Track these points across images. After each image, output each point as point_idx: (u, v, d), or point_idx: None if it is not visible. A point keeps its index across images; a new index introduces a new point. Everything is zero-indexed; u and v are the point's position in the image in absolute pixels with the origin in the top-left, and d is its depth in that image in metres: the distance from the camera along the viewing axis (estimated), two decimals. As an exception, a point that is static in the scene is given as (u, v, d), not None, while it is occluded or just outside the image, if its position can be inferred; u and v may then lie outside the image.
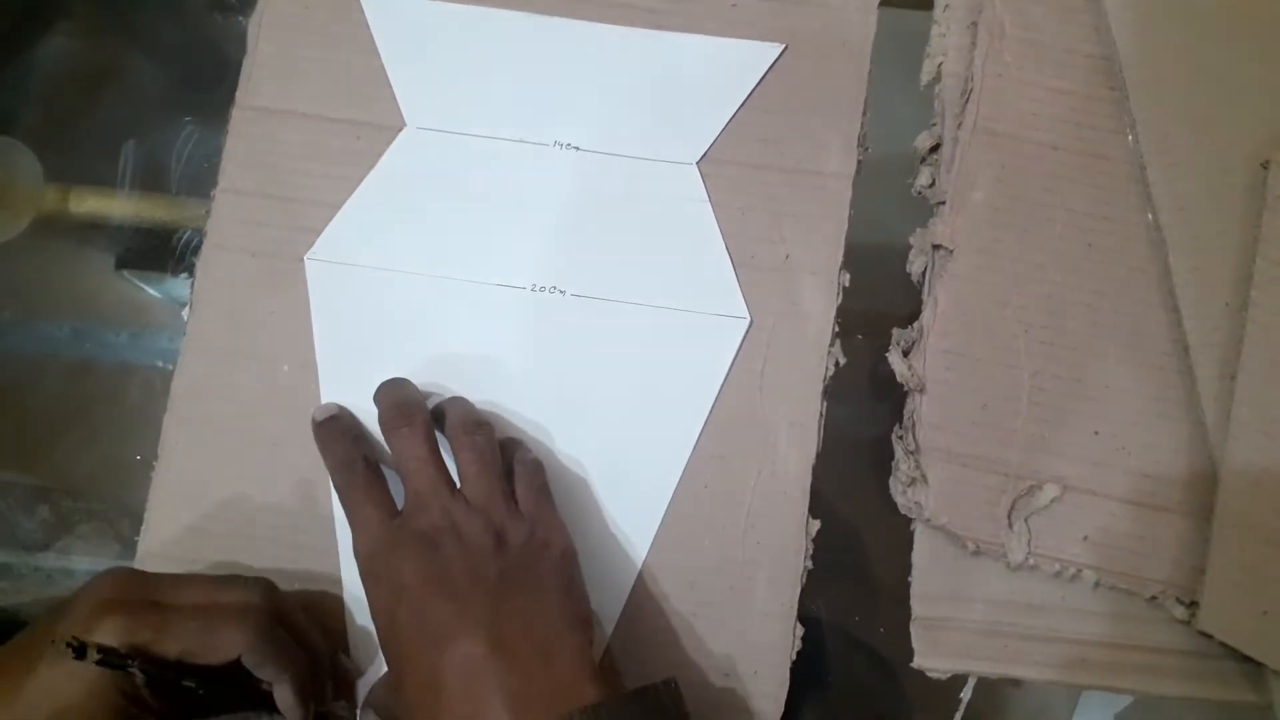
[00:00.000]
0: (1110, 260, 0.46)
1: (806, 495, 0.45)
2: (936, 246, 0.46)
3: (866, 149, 0.48)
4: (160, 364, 0.49)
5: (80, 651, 0.34)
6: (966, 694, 0.44)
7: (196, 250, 0.48)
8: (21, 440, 0.50)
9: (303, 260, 0.47)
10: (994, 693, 0.46)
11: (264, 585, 0.41)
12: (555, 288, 0.47)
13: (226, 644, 0.37)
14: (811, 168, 0.47)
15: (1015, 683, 0.47)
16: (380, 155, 0.48)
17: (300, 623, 0.42)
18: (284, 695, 0.39)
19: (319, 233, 0.47)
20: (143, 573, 0.39)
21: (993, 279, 0.46)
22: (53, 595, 0.48)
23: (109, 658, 0.35)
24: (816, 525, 0.45)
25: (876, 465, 0.46)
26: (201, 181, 0.49)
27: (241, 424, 0.46)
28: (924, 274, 0.47)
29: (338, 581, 0.45)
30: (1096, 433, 0.45)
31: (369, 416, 0.46)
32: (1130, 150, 0.47)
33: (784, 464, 0.46)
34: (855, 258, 0.47)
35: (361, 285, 0.47)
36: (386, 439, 0.42)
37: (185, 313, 0.47)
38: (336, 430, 0.43)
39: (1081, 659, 0.44)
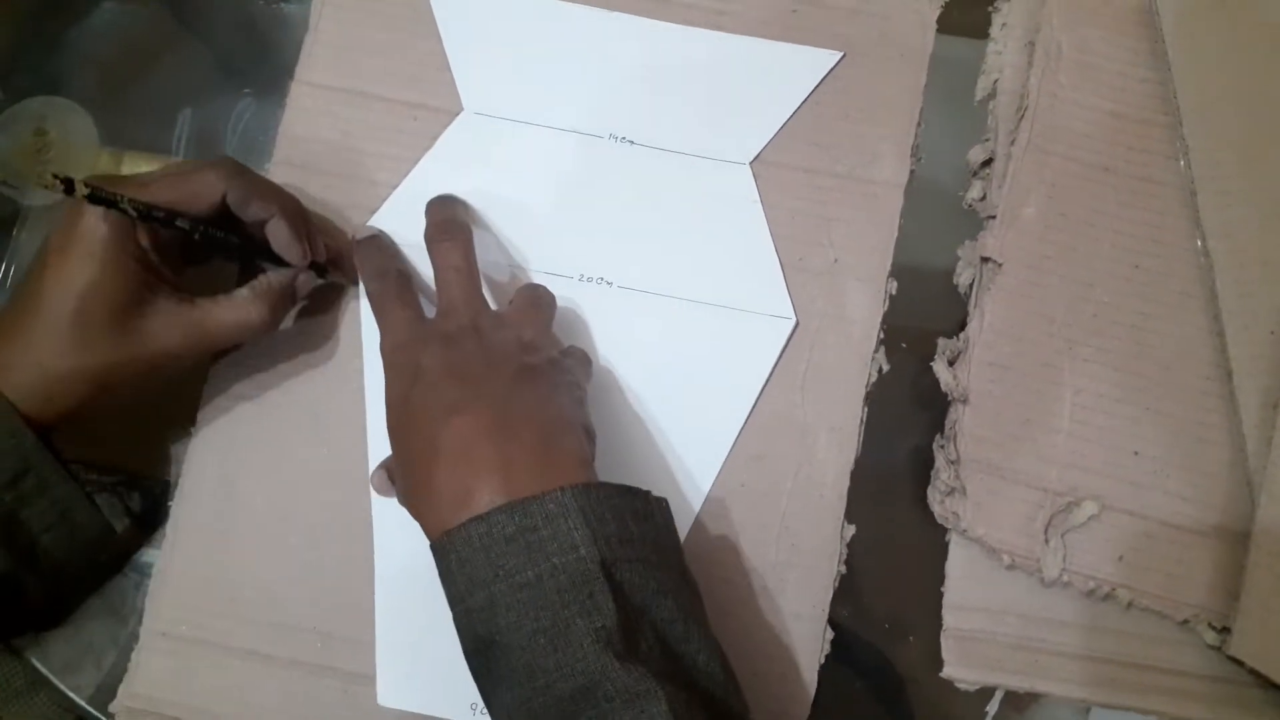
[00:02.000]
0: (1157, 283, 0.46)
1: (843, 499, 0.45)
2: (985, 259, 0.47)
3: (919, 159, 0.48)
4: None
5: (69, 187, 0.35)
6: (993, 707, 0.44)
7: (246, 222, 0.48)
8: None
9: (353, 239, 0.47)
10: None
11: (230, 162, 0.41)
12: (602, 279, 0.47)
13: (206, 185, 0.39)
14: (864, 175, 0.48)
15: (1019, 708, 0.47)
16: (436, 138, 0.48)
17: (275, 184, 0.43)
18: (278, 230, 0.41)
19: (372, 211, 0.47)
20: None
21: (1040, 294, 0.46)
22: None
23: (98, 193, 0.36)
24: (852, 530, 0.45)
25: (914, 475, 0.46)
26: (255, 154, 0.49)
27: (281, 399, 0.46)
28: (971, 286, 0.47)
29: (370, 555, 0.45)
30: (1136, 453, 0.45)
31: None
32: (1181, 175, 0.47)
33: (822, 467, 0.46)
34: (902, 269, 0.47)
35: (410, 265, 0.47)
36: (429, 250, 0.43)
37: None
38: (374, 246, 0.45)
39: (1110, 678, 0.44)
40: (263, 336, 0.43)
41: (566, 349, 0.43)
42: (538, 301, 0.43)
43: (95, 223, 0.37)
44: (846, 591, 0.45)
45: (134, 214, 0.37)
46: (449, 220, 0.44)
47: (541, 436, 0.36)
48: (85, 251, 0.37)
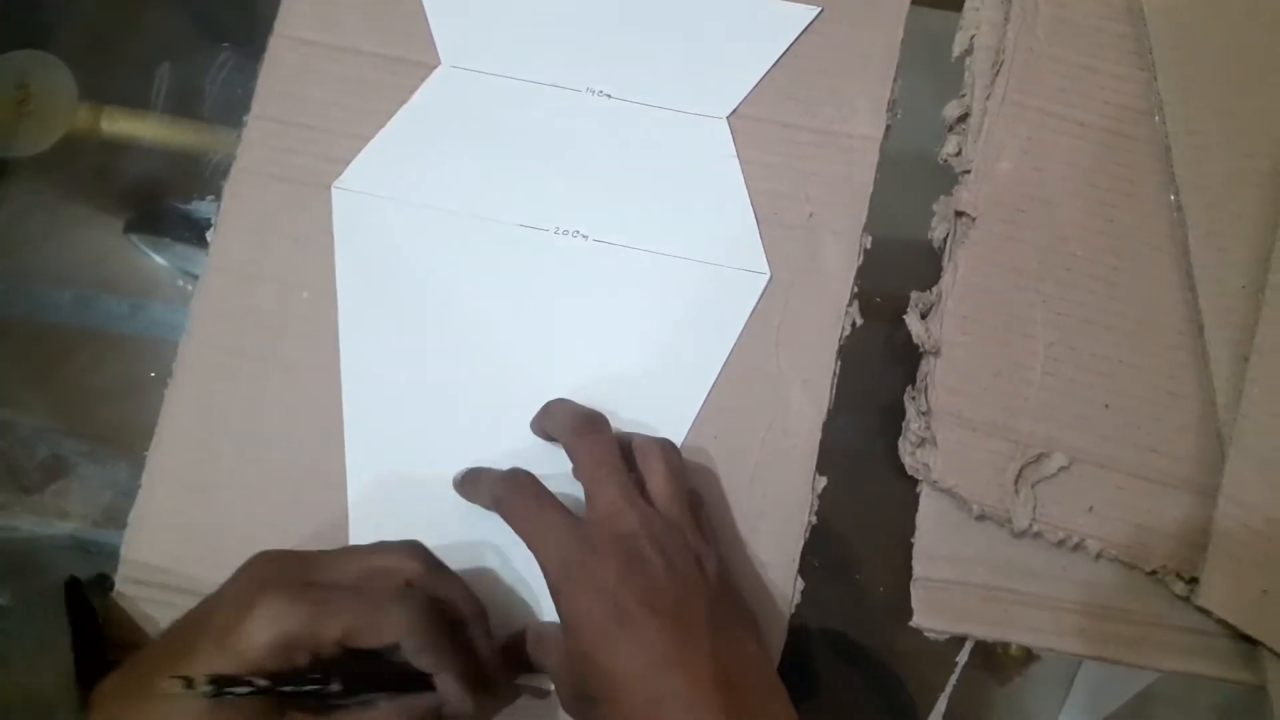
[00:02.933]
0: (1130, 237, 0.46)
1: (815, 451, 0.45)
2: (960, 214, 0.47)
3: (896, 114, 0.48)
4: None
5: (189, 685, 0.33)
6: (963, 657, 0.44)
7: (225, 175, 0.48)
8: (29, 367, 0.50)
9: (329, 189, 0.47)
10: (978, 692, 0.46)
11: (420, 549, 0.39)
12: (578, 232, 0.47)
13: (388, 627, 0.35)
14: (840, 129, 0.48)
15: (1001, 681, 0.47)
16: (413, 91, 0.48)
17: (458, 607, 0.40)
18: (446, 685, 0.37)
19: (348, 163, 0.48)
20: (295, 552, 0.38)
21: (1013, 248, 0.46)
22: (49, 534, 0.48)
23: (221, 684, 0.33)
24: (823, 482, 0.45)
25: (886, 428, 0.47)
26: (234, 109, 0.49)
27: (258, 347, 0.46)
28: (945, 240, 0.47)
29: (346, 511, 0.45)
30: (1107, 406, 0.45)
31: (386, 349, 0.46)
32: (1156, 130, 0.47)
33: (795, 420, 0.46)
34: (878, 229, 0.47)
35: (386, 217, 0.47)
36: (572, 445, 0.40)
37: (209, 234, 0.48)
38: (478, 471, 0.43)
39: (1079, 628, 0.44)
40: None
41: (704, 525, 0.41)
42: (679, 475, 0.40)
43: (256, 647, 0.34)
44: (818, 542, 0.45)
45: (266, 689, 0.34)
46: (590, 413, 0.42)
47: (760, 700, 0.36)
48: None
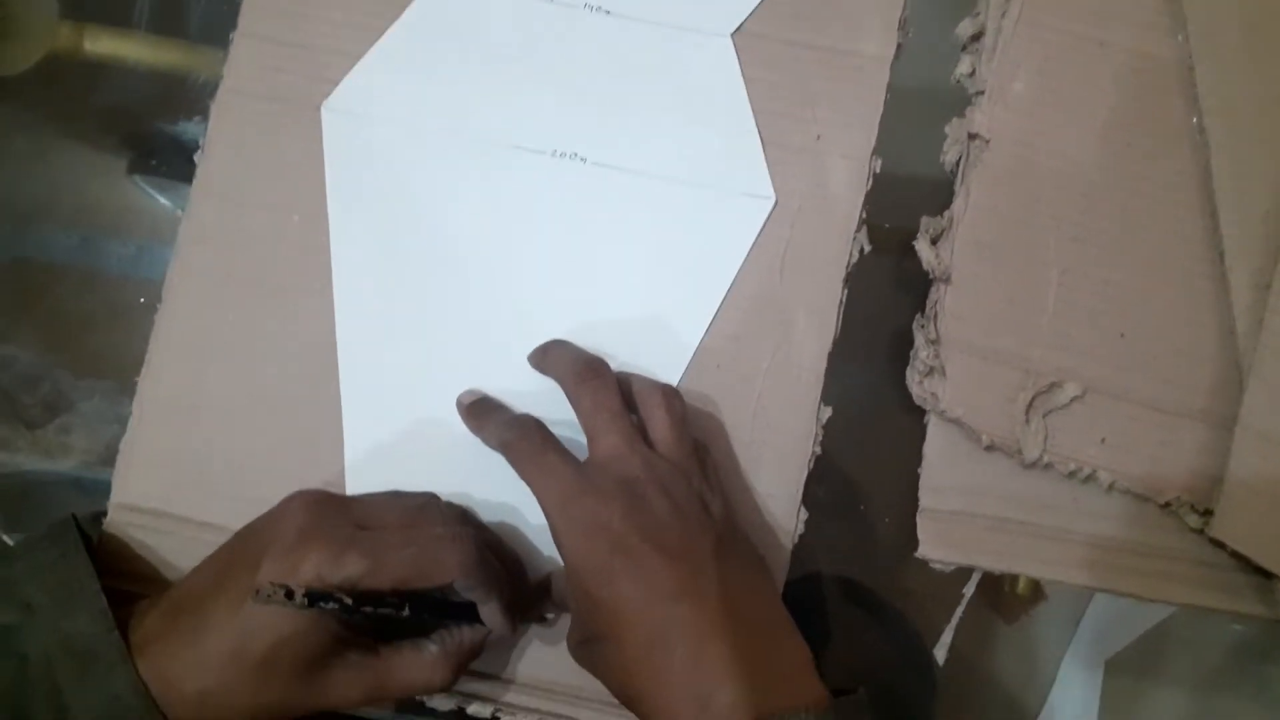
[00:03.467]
0: (1150, 161, 0.45)
1: (820, 381, 0.44)
2: (973, 136, 0.45)
3: (908, 32, 0.46)
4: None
5: (289, 595, 0.34)
6: (969, 589, 0.44)
7: (211, 95, 0.47)
8: (24, 300, 0.49)
9: (319, 109, 0.46)
10: (985, 630, 0.46)
11: (459, 509, 0.40)
12: (576, 154, 0.45)
13: (444, 569, 0.36)
14: (849, 48, 0.46)
15: (1009, 619, 0.47)
16: (404, 6, 0.46)
17: (494, 540, 0.41)
18: (492, 614, 0.38)
19: (338, 83, 0.46)
20: (336, 496, 0.39)
21: (1028, 172, 0.45)
22: (53, 469, 0.47)
23: (315, 598, 0.34)
24: (828, 412, 0.44)
25: (893, 357, 0.45)
26: (220, 27, 0.47)
27: (248, 272, 0.45)
28: (957, 164, 0.46)
29: (340, 438, 0.44)
30: (1123, 335, 0.44)
31: (378, 274, 0.45)
32: (1179, 50, 0.45)
33: (799, 348, 0.45)
34: (888, 155, 0.45)
35: (377, 138, 0.45)
36: (574, 392, 0.40)
37: (197, 157, 0.46)
38: (489, 404, 0.43)
39: (1089, 560, 0.43)
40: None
41: (709, 469, 0.40)
42: (682, 420, 0.40)
43: (314, 580, 0.35)
44: (822, 473, 0.44)
45: (349, 606, 0.35)
46: (590, 358, 0.41)
47: (768, 636, 0.36)
48: (287, 610, 0.35)
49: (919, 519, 0.43)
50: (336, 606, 0.34)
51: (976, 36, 0.46)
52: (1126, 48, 0.45)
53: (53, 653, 0.35)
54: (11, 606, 0.36)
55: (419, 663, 0.38)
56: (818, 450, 0.44)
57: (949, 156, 0.46)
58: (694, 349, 0.44)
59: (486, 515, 0.43)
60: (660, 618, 0.35)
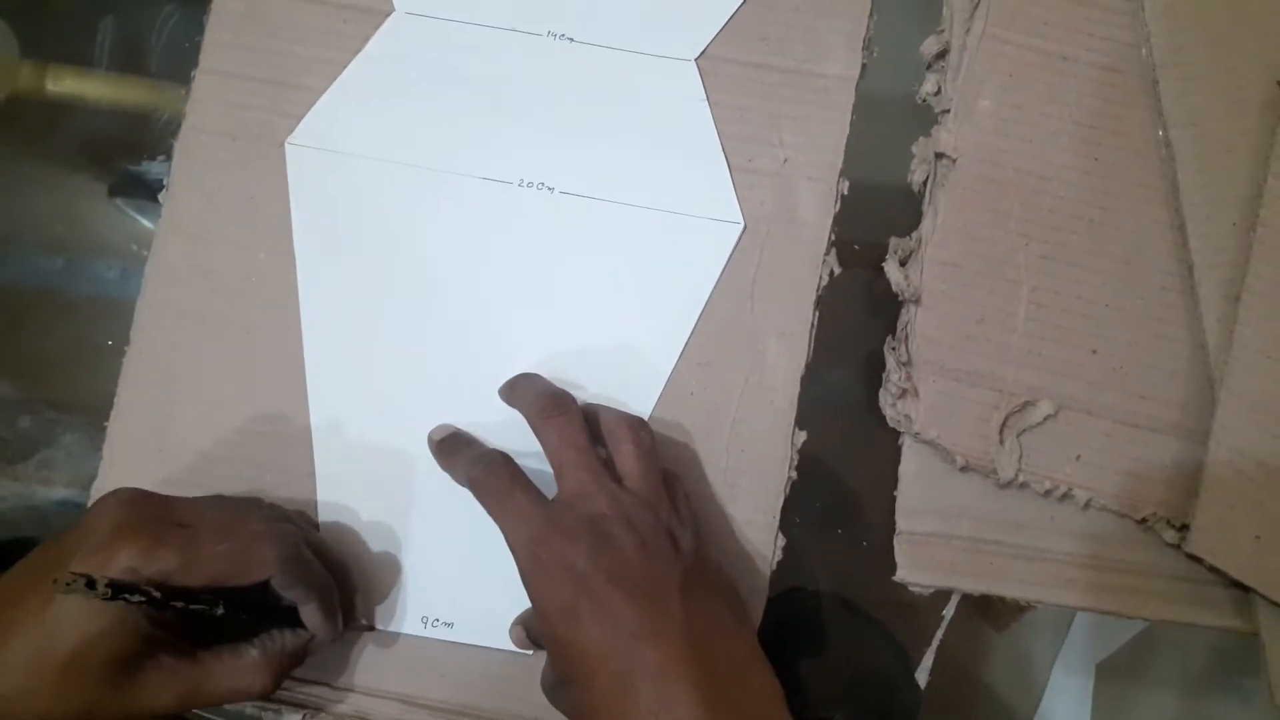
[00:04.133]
0: (1117, 175, 0.45)
1: (794, 405, 0.44)
2: (939, 155, 0.45)
3: (872, 52, 0.46)
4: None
5: (91, 585, 0.33)
6: (949, 611, 0.43)
7: (175, 133, 0.46)
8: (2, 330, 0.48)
9: (283, 145, 0.45)
10: (976, 639, 0.45)
11: (282, 510, 0.40)
12: (543, 184, 0.45)
13: (258, 566, 0.36)
14: (814, 69, 0.46)
15: (998, 627, 0.46)
16: (367, 40, 0.46)
17: (320, 541, 0.41)
18: (312, 615, 0.38)
19: (301, 118, 0.46)
20: (154, 494, 0.38)
21: (995, 190, 0.44)
22: (33, 504, 0.47)
23: (120, 589, 0.33)
24: (803, 436, 0.44)
25: (867, 379, 0.45)
26: (182, 63, 0.47)
27: (216, 312, 0.45)
28: (925, 184, 0.46)
29: (311, 474, 0.44)
30: (1094, 352, 0.44)
31: (346, 310, 0.44)
32: (1143, 63, 0.45)
33: (772, 373, 0.44)
34: (856, 173, 0.45)
35: (343, 173, 0.45)
36: (540, 427, 0.39)
37: (162, 196, 0.46)
38: (460, 440, 0.42)
39: (1068, 579, 0.43)
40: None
41: (688, 514, 0.39)
42: (650, 453, 0.39)
43: (123, 611, 0.34)
44: (798, 498, 0.44)
45: (158, 600, 0.34)
46: (557, 394, 0.41)
47: (736, 672, 0.35)
48: (93, 609, 0.33)
49: (896, 542, 0.43)
50: (144, 600, 0.33)
51: (941, 55, 0.46)
52: (1090, 62, 0.45)
53: None
54: None
55: (238, 667, 0.37)
56: (793, 475, 0.44)
57: (916, 176, 0.46)
58: (666, 376, 0.44)
59: (461, 546, 0.43)
60: (625, 659, 0.34)
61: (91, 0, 0.48)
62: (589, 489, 0.37)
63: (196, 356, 0.45)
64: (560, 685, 0.37)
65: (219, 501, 0.40)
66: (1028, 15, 0.45)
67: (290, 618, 0.38)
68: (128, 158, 0.48)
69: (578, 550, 0.35)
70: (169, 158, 0.46)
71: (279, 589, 0.37)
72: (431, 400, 0.44)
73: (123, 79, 0.49)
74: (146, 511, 0.36)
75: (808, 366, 0.44)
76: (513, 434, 0.41)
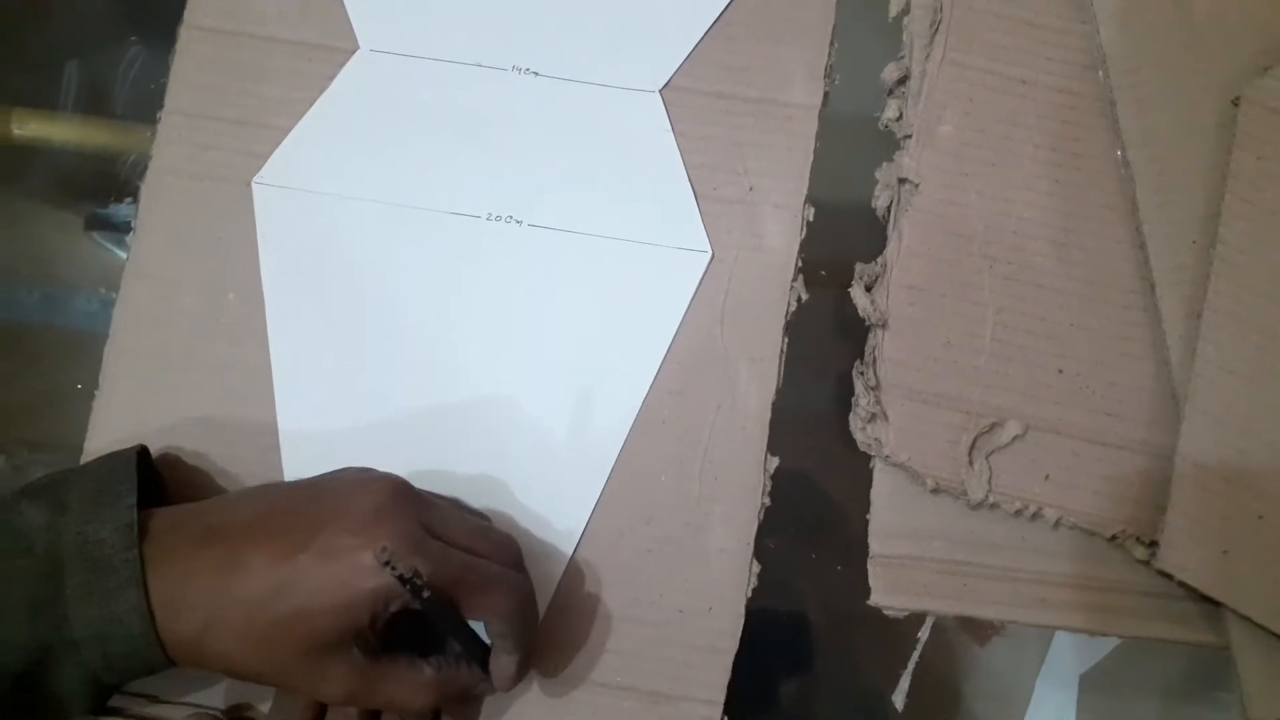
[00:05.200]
0: (1078, 197, 0.45)
1: (766, 431, 0.44)
2: (902, 180, 0.45)
3: (834, 80, 0.47)
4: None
5: (390, 564, 0.33)
6: (924, 634, 0.44)
7: (142, 175, 0.46)
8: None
9: (250, 185, 0.45)
10: (958, 653, 0.46)
11: (518, 550, 0.39)
12: (511, 217, 0.45)
13: (489, 608, 0.36)
14: (777, 98, 0.46)
15: (980, 640, 0.47)
16: (332, 78, 0.46)
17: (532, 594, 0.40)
18: (505, 667, 0.37)
19: (268, 157, 0.46)
20: (417, 491, 0.37)
21: (958, 214, 0.45)
22: None
23: (404, 574, 0.34)
24: (775, 462, 0.44)
25: (837, 404, 0.45)
26: (148, 105, 0.47)
27: (185, 355, 0.45)
28: (889, 209, 0.46)
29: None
30: (1060, 371, 0.44)
31: (317, 350, 0.44)
32: (1100, 85, 0.46)
33: (743, 400, 0.45)
34: (821, 197, 0.46)
35: (310, 211, 0.45)
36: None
37: (129, 239, 0.46)
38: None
39: (1040, 598, 0.43)
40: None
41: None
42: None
43: (372, 573, 0.34)
44: (772, 524, 0.44)
45: (423, 606, 0.35)
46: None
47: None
48: (341, 586, 0.34)
49: (870, 566, 0.43)
50: (413, 589, 0.34)
51: (902, 80, 0.47)
52: (1049, 85, 0.46)
53: (69, 556, 0.34)
54: (49, 506, 0.35)
55: (410, 680, 0.37)
56: (767, 501, 0.44)
57: (880, 202, 0.46)
58: (638, 405, 0.44)
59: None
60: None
61: (56, 43, 0.48)
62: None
63: (166, 399, 0.44)
64: None
65: (465, 519, 0.39)
66: (986, 40, 0.46)
67: (477, 651, 0.38)
68: (96, 199, 0.48)
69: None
70: (136, 199, 0.46)
71: (493, 634, 0.37)
72: (403, 438, 0.44)
73: (89, 121, 0.49)
74: (411, 509, 0.36)
75: (778, 392, 0.45)
76: (479, 467, 0.42)
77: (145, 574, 0.34)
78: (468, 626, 0.37)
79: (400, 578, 0.34)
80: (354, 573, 0.34)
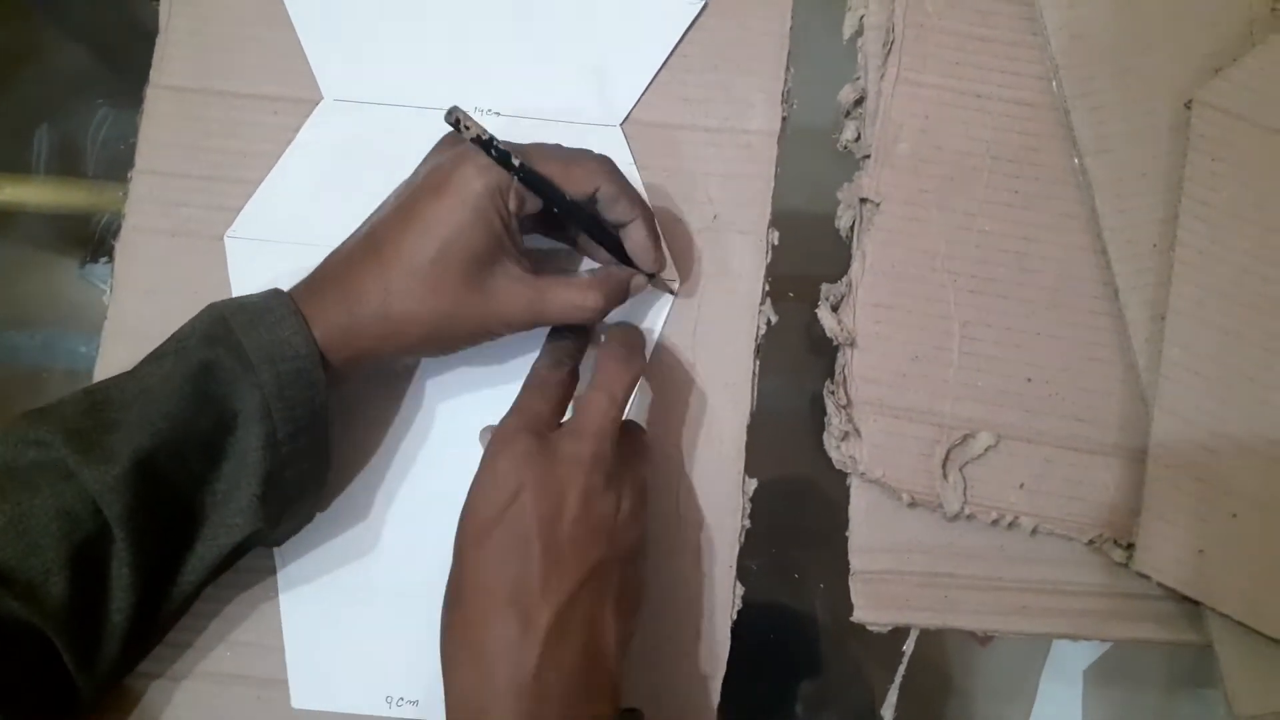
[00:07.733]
0: (1037, 206, 0.46)
1: (742, 454, 0.45)
2: (863, 200, 0.46)
3: (792, 105, 0.47)
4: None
5: (459, 125, 0.37)
6: (909, 646, 0.44)
7: (116, 234, 0.47)
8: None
9: (223, 239, 0.46)
10: (962, 653, 0.46)
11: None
12: (481, 257, 0.46)
13: (586, 174, 0.39)
14: (737, 126, 0.47)
15: (982, 641, 0.47)
16: (297, 130, 0.47)
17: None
18: (637, 235, 0.41)
19: (239, 211, 0.46)
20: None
21: (920, 230, 0.46)
22: None
23: (492, 142, 0.37)
24: (754, 484, 0.45)
25: (812, 423, 0.46)
26: (119, 164, 0.48)
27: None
28: (852, 229, 0.47)
29: (270, 554, 0.44)
30: (1029, 380, 0.45)
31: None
32: (1054, 95, 0.46)
33: (719, 424, 0.45)
34: (784, 219, 0.47)
35: (283, 261, 0.45)
36: (601, 356, 0.40)
37: (106, 299, 0.46)
38: (575, 334, 0.43)
39: (1021, 606, 0.44)
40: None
41: (640, 488, 0.39)
42: (643, 445, 0.41)
43: (474, 173, 0.37)
44: (753, 545, 0.44)
45: (519, 174, 0.38)
46: (636, 347, 0.41)
47: (584, 663, 0.35)
48: (459, 199, 0.37)
49: (851, 583, 0.44)
50: (508, 156, 0.37)
51: (859, 102, 0.48)
52: (1003, 98, 0.47)
53: (229, 310, 0.38)
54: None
55: (573, 284, 0.40)
56: (747, 524, 0.44)
57: (843, 221, 0.47)
58: (615, 436, 0.45)
59: (425, 624, 0.43)
60: (491, 616, 0.35)
61: (25, 109, 0.49)
62: (587, 436, 0.37)
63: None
64: (445, 601, 0.37)
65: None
66: (939, 57, 0.47)
67: (605, 237, 0.42)
68: (73, 259, 0.49)
69: (530, 486, 0.36)
70: (111, 259, 0.47)
71: (605, 204, 0.40)
72: (393, 516, 0.45)
73: (62, 182, 0.49)
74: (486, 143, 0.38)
75: (753, 414, 0.45)
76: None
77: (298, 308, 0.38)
78: (580, 206, 0.40)
79: (476, 139, 0.36)
80: (461, 184, 0.37)
